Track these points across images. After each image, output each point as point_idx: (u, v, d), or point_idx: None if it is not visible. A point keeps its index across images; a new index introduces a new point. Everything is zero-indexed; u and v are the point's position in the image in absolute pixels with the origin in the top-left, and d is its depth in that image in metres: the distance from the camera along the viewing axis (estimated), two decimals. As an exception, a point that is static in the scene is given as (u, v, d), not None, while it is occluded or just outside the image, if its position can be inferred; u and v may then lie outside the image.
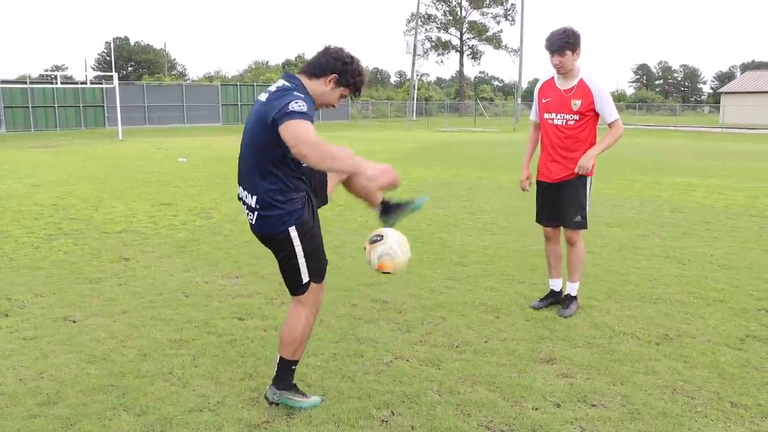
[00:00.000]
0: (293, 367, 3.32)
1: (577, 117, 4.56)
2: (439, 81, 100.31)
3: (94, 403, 3.37)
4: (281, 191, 3.08)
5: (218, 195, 10.54)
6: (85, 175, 13.55)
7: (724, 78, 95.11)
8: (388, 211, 3.69)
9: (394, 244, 3.37)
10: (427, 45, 71.35)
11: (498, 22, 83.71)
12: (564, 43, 4.45)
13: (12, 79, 39.49)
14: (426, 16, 70.61)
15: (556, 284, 4.97)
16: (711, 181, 12.70)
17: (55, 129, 34.35)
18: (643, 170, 14.58)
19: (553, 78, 4.70)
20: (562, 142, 4.63)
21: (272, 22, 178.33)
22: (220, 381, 3.65)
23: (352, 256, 6.44)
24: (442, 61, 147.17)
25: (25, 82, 35.34)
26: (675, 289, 5.35)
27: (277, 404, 3.30)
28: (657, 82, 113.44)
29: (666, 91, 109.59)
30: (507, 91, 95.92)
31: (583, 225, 4.72)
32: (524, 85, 55.53)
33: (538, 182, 4.86)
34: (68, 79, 40.10)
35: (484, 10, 71.04)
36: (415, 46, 56.41)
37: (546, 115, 4.69)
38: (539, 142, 4.88)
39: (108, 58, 69.04)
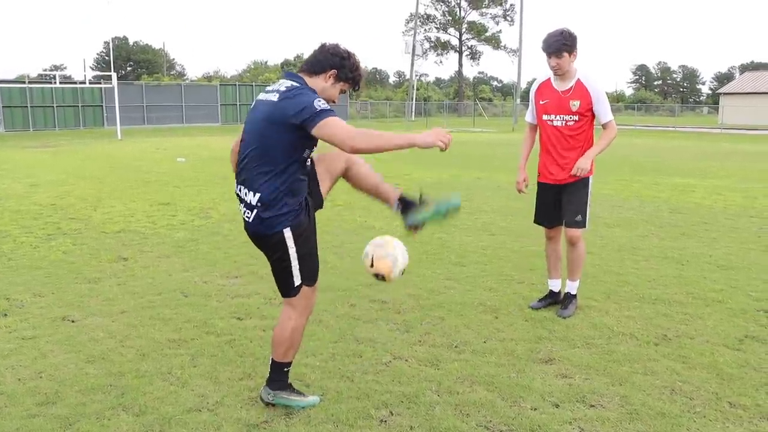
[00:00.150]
0: (285, 369, 3.32)
1: (576, 117, 4.57)
2: (438, 81, 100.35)
3: (93, 403, 3.37)
4: (285, 192, 3.08)
5: (217, 195, 10.53)
6: (84, 174, 13.54)
7: (723, 79, 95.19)
8: (410, 208, 3.39)
9: (399, 255, 3.37)
10: (426, 45, 71.38)
11: (497, 23, 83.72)
12: (561, 45, 4.45)
13: (11, 78, 39.50)
14: (425, 16, 70.66)
15: (555, 285, 4.97)
16: (710, 181, 12.71)
17: (53, 129, 34.31)
18: (642, 171, 14.59)
19: (549, 79, 4.70)
20: (563, 143, 4.63)
21: (271, 22, 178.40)
22: (219, 381, 3.65)
23: (351, 257, 6.44)
24: (441, 62, 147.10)
25: (24, 82, 35.31)
26: (674, 289, 5.35)
27: (274, 405, 3.29)
28: (656, 83, 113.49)
29: (665, 91, 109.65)
30: (506, 91, 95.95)
31: (582, 224, 4.72)
32: (523, 85, 55.54)
33: (539, 184, 4.86)
34: (67, 79, 40.08)
35: (483, 10, 71.08)
36: (414, 46, 56.46)
37: (545, 117, 4.69)
38: (535, 143, 4.89)
39: (107, 57, 69.10)
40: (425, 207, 3.40)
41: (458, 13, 72.08)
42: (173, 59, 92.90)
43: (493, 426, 3.16)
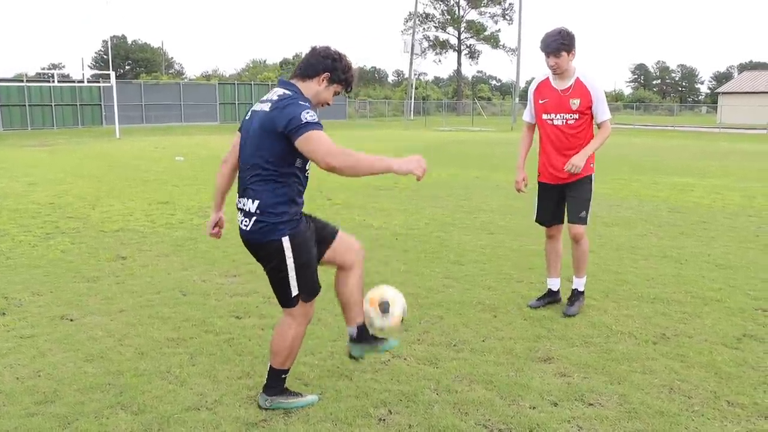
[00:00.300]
0: (283, 375, 3.32)
1: (576, 116, 4.57)
2: (437, 80, 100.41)
3: (92, 402, 3.37)
4: (284, 200, 3.08)
5: (216, 194, 10.51)
6: (83, 173, 13.53)
7: (722, 78, 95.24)
8: (361, 339, 3.43)
9: (384, 289, 3.46)
10: (425, 44, 71.31)
11: (496, 22, 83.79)
12: (559, 44, 4.45)
13: (9, 77, 39.41)
14: (424, 15, 70.57)
15: (554, 284, 4.97)
16: (708, 181, 12.72)
17: (52, 127, 34.27)
18: (640, 170, 14.60)
19: (548, 78, 4.70)
20: (563, 141, 4.63)
21: (270, 21, 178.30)
22: (218, 379, 3.65)
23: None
24: (439, 61, 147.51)
25: (22, 81, 35.23)
26: (672, 288, 5.36)
27: (273, 410, 3.29)
28: (654, 82, 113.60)
29: (663, 91, 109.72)
30: (505, 90, 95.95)
31: (585, 221, 4.73)
32: (522, 84, 55.49)
33: (540, 184, 4.85)
34: (65, 78, 40.12)
35: (482, 9, 70.97)
36: (412, 45, 56.53)
37: (545, 116, 4.69)
38: (534, 142, 4.89)
39: (105, 56, 69.03)
40: (375, 347, 3.47)
41: (457, 12, 72.03)
42: (172, 58, 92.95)
43: (492, 424, 3.16)
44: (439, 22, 72.73)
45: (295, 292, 3.18)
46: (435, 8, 72.35)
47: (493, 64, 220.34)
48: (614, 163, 15.50)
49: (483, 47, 79.32)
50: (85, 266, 6.06)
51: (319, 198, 9.82)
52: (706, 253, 6.61)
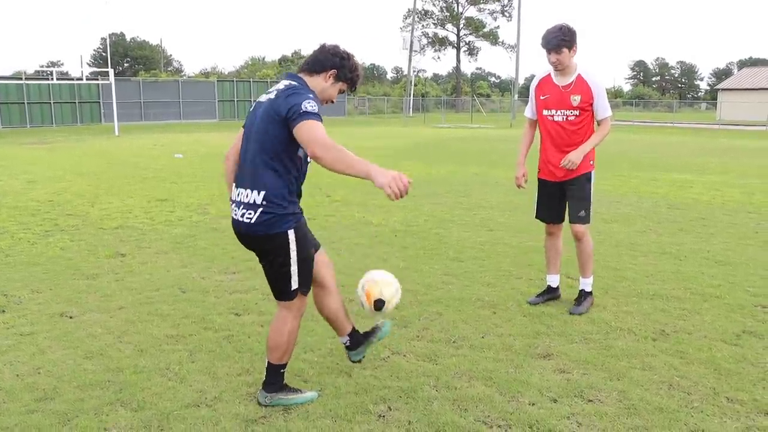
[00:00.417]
0: (282, 370, 3.33)
1: (577, 112, 4.56)
2: (436, 77, 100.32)
3: (91, 399, 3.37)
4: (289, 191, 3.09)
5: (215, 191, 10.52)
6: (81, 171, 13.52)
7: (721, 74, 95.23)
8: (357, 344, 3.61)
9: (373, 274, 3.45)
10: (424, 41, 71.27)
11: (495, 18, 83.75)
12: (560, 40, 4.45)
13: (7, 75, 39.34)
14: (423, 12, 70.51)
15: (553, 280, 4.98)
16: (708, 177, 12.72)
17: (51, 125, 34.25)
18: (640, 167, 14.60)
19: (549, 74, 4.69)
20: (564, 138, 4.62)
21: (269, 19, 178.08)
22: (217, 376, 3.65)
23: (349, 252, 6.44)
24: (438, 57, 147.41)
25: (21, 78, 35.15)
26: (672, 285, 5.36)
27: (273, 406, 3.29)
28: (654, 79, 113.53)
29: (663, 87, 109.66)
30: (504, 87, 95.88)
31: (586, 220, 4.73)
32: (521, 81, 55.57)
33: (540, 180, 4.85)
34: (64, 75, 40.00)
35: (481, 6, 70.91)
36: (411, 42, 56.43)
37: (545, 112, 4.68)
38: (535, 139, 4.89)
39: (104, 54, 68.82)
40: (371, 342, 3.66)
41: (456, 9, 71.95)
42: (170, 55, 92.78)
43: (491, 421, 3.16)
44: (438, 18, 72.70)
45: (295, 285, 3.19)
46: (434, 5, 72.34)
47: (492, 60, 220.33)
48: (613, 159, 15.49)
49: (482, 44, 79.47)
50: (85, 263, 6.06)
51: (318, 195, 9.82)
52: (705, 249, 6.61)
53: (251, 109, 3.25)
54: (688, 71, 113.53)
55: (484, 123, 41.71)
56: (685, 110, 69.20)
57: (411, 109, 53.21)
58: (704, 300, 4.96)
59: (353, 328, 3.59)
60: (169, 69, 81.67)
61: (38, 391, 3.46)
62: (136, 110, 38.01)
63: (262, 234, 3.11)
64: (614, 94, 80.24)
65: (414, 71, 59.55)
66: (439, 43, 73.39)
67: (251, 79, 47.77)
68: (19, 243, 6.89)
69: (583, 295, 4.80)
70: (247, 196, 3.11)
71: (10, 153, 18.16)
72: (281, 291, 3.23)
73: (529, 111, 4.91)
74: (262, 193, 3.06)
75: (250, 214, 3.09)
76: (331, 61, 3.20)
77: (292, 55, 73.52)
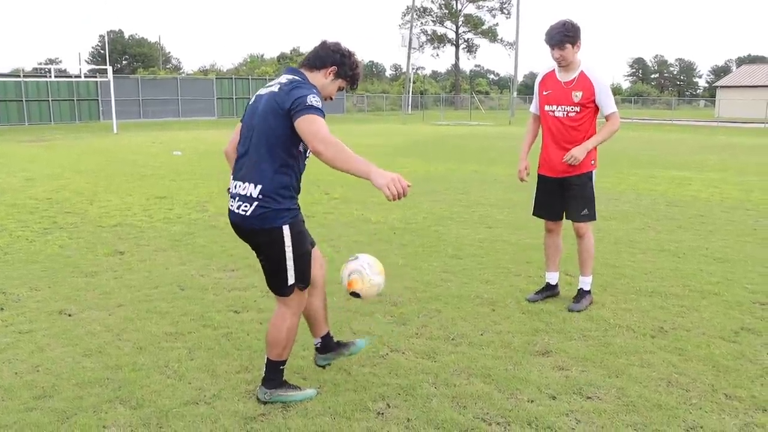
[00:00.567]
0: (281, 367, 3.33)
1: (578, 109, 4.56)
2: (435, 74, 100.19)
3: (90, 396, 3.37)
4: (288, 186, 3.09)
5: (213, 188, 10.51)
6: (80, 168, 13.51)
7: (720, 72, 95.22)
8: (327, 349, 3.58)
9: (365, 264, 3.24)
10: (423, 38, 71.07)
11: (494, 16, 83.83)
12: (564, 36, 4.44)
13: (5, 72, 39.25)
14: (421, 9, 70.37)
15: (552, 277, 4.98)
16: (706, 174, 12.73)
17: (49, 123, 34.16)
18: (638, 164, 14.60)
19: (553, 70, 4.69)
20: (564, 134, 4.62)
21: (267, 16, 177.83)
22: (216, 374, 3.65)
23: (347, 249, 6.43)
24: (437, 55, 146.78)
25: (19, 76, 35.08)
26: (670, 282, 5.37)
27: (272, 403, 3.29)
28: (653, 76, 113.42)
29: (662, 84, 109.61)
30: (503, 84, 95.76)
31: (591, 217, 4.73)
32: (520, 78, 55.52)
33: (540, 176, 4.85)
34: (62, 73, 39.84)
35: (480, 3, 70.77)
36: (410, 39, 56.41)
37: (547, 108, 4.68)
38: (538, 134, 4.89)
39: (102, 51, 68.84)
40: (340, 353, 3.60)
41: (455, 6, 71.85)
42: (169, 53, 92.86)
43: (490, 418, 3.17)
44: (436, 16, 72.56)
45: (291, 281, 3.18)
46: (433, 2, 72.16)
47: (491, 58, 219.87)
48: (612, 156, 15.48)
49: (481, 41, 79.19)
50: (83, 261, 6.06)
51: (317, 192, 9.81)
52: (703, 246, 6.62)
53: (250, 102, 3.24)
54: (687, 68, 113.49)
55: (483, 120, 41.70)
56: (684, 107, 69.25)
57: (410, 107, 53.20)
58: (703, 297, 4.96)
59: (328, 333, 3.57)
60: (167, 66, 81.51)
61: (37, 388, 3.45)
62: (134, 108, 37.95)
63: (257, 228, 3.10)
64: (613, 92, 79.69)
65: (413, 68, 59.57)
66: (437, 40, 73.28)
67: (250, 77, 47.67)
68: (17, 241, 6.89)
69: (582, 293, 4.80)
70: (244, 189, 3.11)
71: (8, 151, 18.14)
72: (277, 286, 3.22)
73: (533, 106, 4.92)
74: (259, 186, 3.06)
75: (245, 206, 3.09)
76: (332, 57, 3.21)
77: (291, 53, 73.36)
